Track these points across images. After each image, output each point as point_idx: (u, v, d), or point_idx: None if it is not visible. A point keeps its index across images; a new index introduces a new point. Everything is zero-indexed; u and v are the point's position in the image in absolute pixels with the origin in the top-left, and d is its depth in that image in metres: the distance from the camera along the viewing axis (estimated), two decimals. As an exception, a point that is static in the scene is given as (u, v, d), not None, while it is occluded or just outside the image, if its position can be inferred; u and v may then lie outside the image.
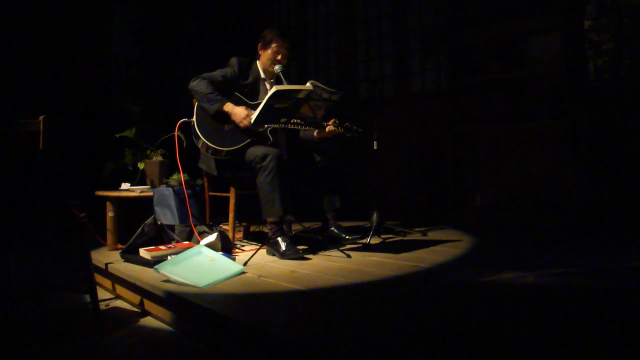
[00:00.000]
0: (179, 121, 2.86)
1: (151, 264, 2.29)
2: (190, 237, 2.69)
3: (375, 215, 3.07)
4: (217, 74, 2.81)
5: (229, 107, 2.69)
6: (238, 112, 2.67)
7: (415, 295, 1.84)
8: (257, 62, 2.95)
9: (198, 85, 2.72)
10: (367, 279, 2.06)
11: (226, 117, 2.69)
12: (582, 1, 3.69)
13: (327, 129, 2.90)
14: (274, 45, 2.87)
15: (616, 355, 1.22)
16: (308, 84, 2.58)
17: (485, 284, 1.93)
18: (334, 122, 2.94)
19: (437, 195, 4.34)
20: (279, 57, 2.88)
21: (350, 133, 2.98)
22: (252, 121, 2.62)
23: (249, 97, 2.86)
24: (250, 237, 3.30)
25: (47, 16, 4.49)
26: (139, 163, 3.13)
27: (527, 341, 1.33)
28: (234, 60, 2.88)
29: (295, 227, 3.23)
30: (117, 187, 3.13)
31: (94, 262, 2.38)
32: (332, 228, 3.00)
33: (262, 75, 2.94)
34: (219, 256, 2.30)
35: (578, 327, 1.43)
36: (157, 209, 2.84)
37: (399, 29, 4.81)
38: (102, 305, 2.28)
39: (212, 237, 2.53)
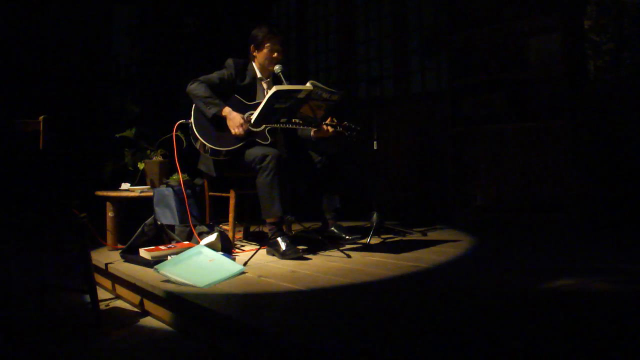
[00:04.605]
0: (177, 122, 2.86)
1: (151, 264, 2.29)
2: (190, 237, 2.69)
3: (375, 215, 3.07)
4: (214, 76, 2.81)
5: (226, 111, 2.69)
6: (233, 119, 2.66)
7: (416, 295, 1.84)
8: (253, 62, 2.95)
9: (196, 88, 2.72)
10: (367, 279, 2.06)
11: (223, 121, 2.70)
12: (582, 1, 3.69)
13: (324, 128, 2.90)
14: (267, 44, 2.87)
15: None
16: (308, 84, 2.57)
17: (493, 286, 1.93)
18: (332, 121, 2.93)
19: (437, 195, 4.34)
20: (275, 54, 2.88)
21: (350, 132, 2.98)
22: (250, 124, 2.62)
23: (246, 97, 2.86)
24: (250, 237, 3.29)
25: (47, 16, 4.49)
26: (139, 163, 3.13)
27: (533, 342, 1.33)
28: (230, 62, 2.88)
29: (295, 227, 3.23)
30: (117, 187, 3.13)
31: (94, 262, 2.38)
32: (332, 228, 2.99)
33: (259, 75, 2.94)
34: (219, 256, 2.30)
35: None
36: (157, 209, 2.84)
37: (399, 29, 4.81)
38: (102, 305, 2.28)
39: (212, 237, 2.53)
